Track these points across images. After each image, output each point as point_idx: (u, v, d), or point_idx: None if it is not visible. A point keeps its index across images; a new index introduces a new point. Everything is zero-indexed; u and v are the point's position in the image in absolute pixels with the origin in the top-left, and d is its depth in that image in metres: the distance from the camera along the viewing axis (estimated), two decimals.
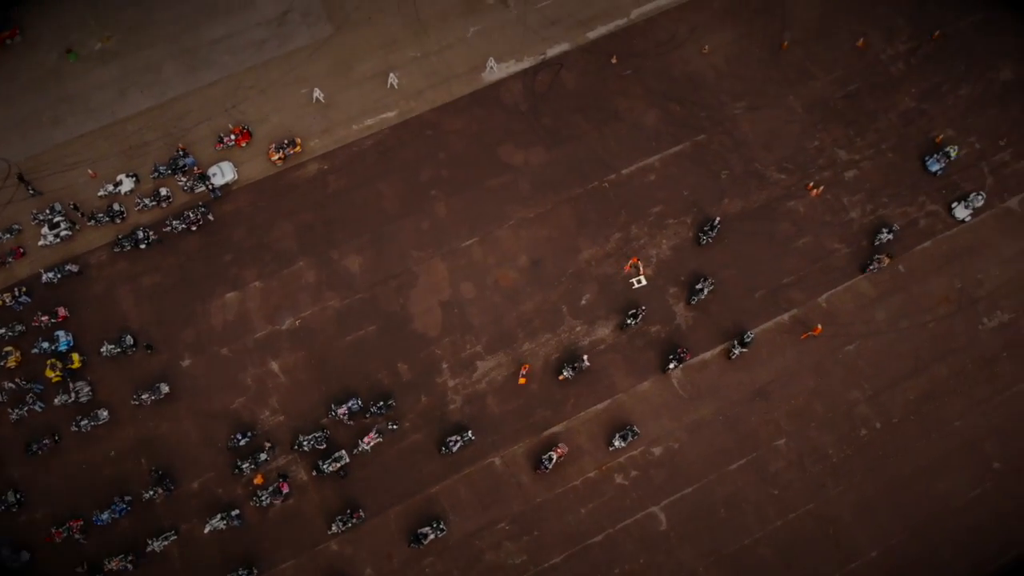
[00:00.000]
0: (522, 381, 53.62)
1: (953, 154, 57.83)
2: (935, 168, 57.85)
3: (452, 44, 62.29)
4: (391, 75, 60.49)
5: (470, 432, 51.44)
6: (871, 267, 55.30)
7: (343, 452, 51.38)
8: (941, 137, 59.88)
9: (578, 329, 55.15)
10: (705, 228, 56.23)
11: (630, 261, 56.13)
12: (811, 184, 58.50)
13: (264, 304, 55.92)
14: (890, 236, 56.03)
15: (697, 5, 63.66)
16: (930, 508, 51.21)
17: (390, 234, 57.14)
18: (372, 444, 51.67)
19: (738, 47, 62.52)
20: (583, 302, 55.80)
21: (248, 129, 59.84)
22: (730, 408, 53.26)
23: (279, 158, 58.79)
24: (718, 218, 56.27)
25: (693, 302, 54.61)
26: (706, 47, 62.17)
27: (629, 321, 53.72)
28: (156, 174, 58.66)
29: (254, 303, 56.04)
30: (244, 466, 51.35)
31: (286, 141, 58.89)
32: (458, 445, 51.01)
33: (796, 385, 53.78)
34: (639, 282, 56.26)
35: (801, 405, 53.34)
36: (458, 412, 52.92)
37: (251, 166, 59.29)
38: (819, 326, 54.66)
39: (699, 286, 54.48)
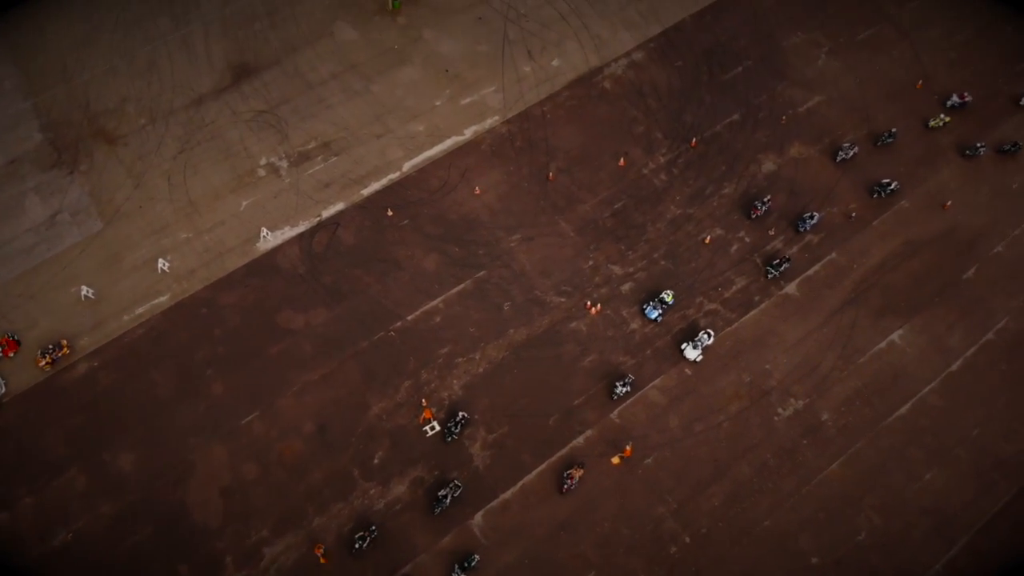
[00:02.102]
0: (323, 561, 49.98)
1: (669, 299, 57.84)
2: (653, 315, 57.44)
3: (225, 220, 62.42)
4: (160, 260, 59.85)
5: None
6: (565, 485, 50.94)
7: None
8: (709, 238, 61.83)
9: (372, 492, 52.37)
10: (449, 424, 53.49)
11: (423, 413, 54.48)
12: (589, 303, 58.96)
13: (35, 522, 51.52)
14: (627, 388, 54.66)
15: (465, 151, 66.01)
16: None
17: (164, 424, 54.38)
18: None
19: (508, 184, 64.49)
20: (376, 461, 53.39)
21: (16, 338, 57.46)
22: (536, 548, 50.46)
23: (46, 363, 56.30)
24: (462, 414, 53.48)
25: (437, 512, 50.42)
26: (477, 188, 63.90)
27: (357, 544, 49.28)
28: None
29: (25, 522, 51.62)
30: None
31: (51, 345, 56.68)
32: None
33: (599, 510, 51.62)
34: (432, 428, 54.44)
35: (607, 531, 50.99)
36: None
37: (20, 376, 56.44)
38: (628, 447, 53.35)
39: (442, 492, 50.71)
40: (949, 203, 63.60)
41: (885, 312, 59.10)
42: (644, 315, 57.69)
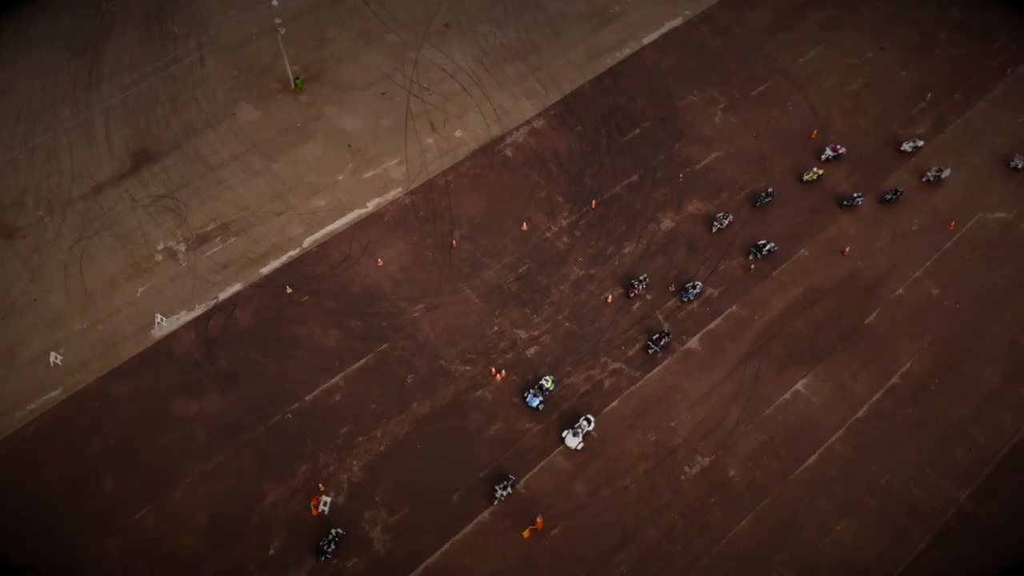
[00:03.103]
0: None
1: (549, 385, 56.15)
2: (535, 404, 55.48)
3: (120, 308, 61.20)
4: (52, 354, 58.30)
5: None
6: None
7: None
8: (611, 298, 61.73)
9: None
10: (321, 543, 50.20)
11: (312, 503, 52.57)
12: (494, 369, 58.20)
13: None
14: (507, 491, 52.11)
15: (367, 223, 65.87)
16: None
17: (54, 524, 51.97)
18: None
19: (411, 254, 64.25)
20: (271, 552, 51.27)
21: None
22: None
23: None
24: (336, 530, 50.20)
25: None
26: (380, 260, 63.56)
27: None
28: None
29: None
30: None
31: None
32: None
33: None
34: (325, 505, 52.57)
35: None
36: None
37: None
38: (540, 519, 51.87)
39: None
40: (848, 249, 64.37)
41: (788, 362, 59.00)
42: (526, 404, 55.92)
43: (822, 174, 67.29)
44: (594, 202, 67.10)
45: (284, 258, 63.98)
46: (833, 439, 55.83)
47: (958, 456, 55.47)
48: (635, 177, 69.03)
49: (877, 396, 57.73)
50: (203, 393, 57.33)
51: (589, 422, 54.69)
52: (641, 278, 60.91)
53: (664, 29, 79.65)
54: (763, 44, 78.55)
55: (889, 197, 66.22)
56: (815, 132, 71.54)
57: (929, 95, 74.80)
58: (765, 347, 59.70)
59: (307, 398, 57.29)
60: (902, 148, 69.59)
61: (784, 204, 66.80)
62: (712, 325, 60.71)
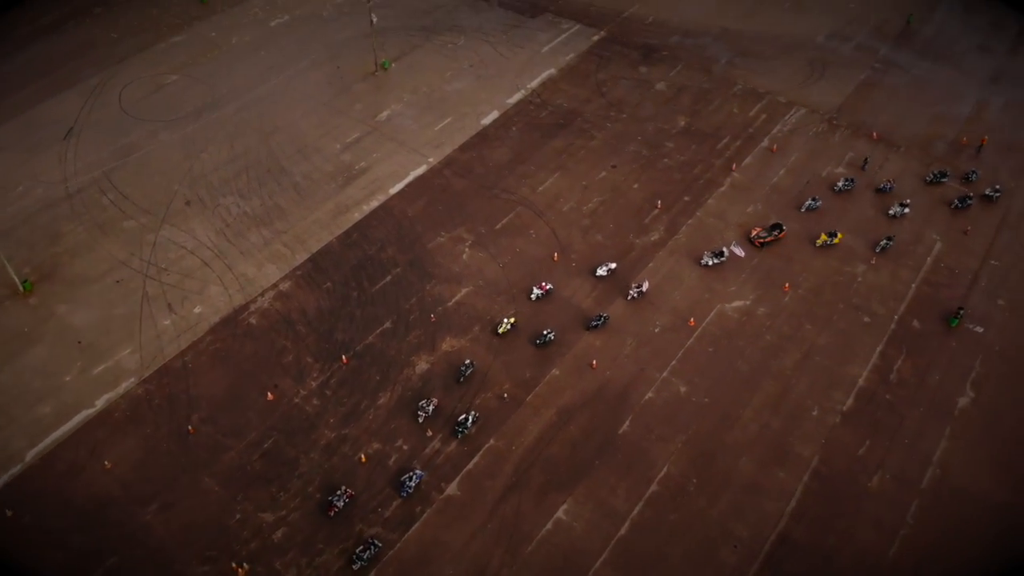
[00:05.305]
0: None
1: None
2: None
3: None
4: None
5: None
6: None
7: None
8: (364, 457, 59.17)
9: None
10: None
11: None
12: (235, 564, 53.44)
13: None
14: None
15: (95, 424, 61.12)
16: None
17: None
18: None
19: (143, 450, 59.67)
20: None
21: None
22: None
23: None
24: None
25: None
26: (107, 462, 58.58)
27: None
28: None
29: None
30: None
31: None
32: None
33: None
34: None
35: None
36: None
37: None
38: None
39: None
40: (595, 362, 65.38)
41: (548, 489, 57.72)
42: None
43: (514, 322, 67.63)
44: (345, 356, 65.59)
45: (6, 477, 57.92)
46: (598, 564, 54.08)
47: (724, 556, 54.86)
48: (388, 324, 68.43)
49: (638, 508, 57.01)
50: None
51: None
52: (339, 492, 55.99)
53: (410, 178, 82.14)
54: (504, 179, 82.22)
55: (595, 324, 67.83)
56: (556, 254, 74.14)
57: (659, 202, 79.84)
58: (524, 477, 58.33)
59: None
60: (597, 273, 72.02)
61: (483, 367, 65.09)
62: (471, 464, 59.01)
